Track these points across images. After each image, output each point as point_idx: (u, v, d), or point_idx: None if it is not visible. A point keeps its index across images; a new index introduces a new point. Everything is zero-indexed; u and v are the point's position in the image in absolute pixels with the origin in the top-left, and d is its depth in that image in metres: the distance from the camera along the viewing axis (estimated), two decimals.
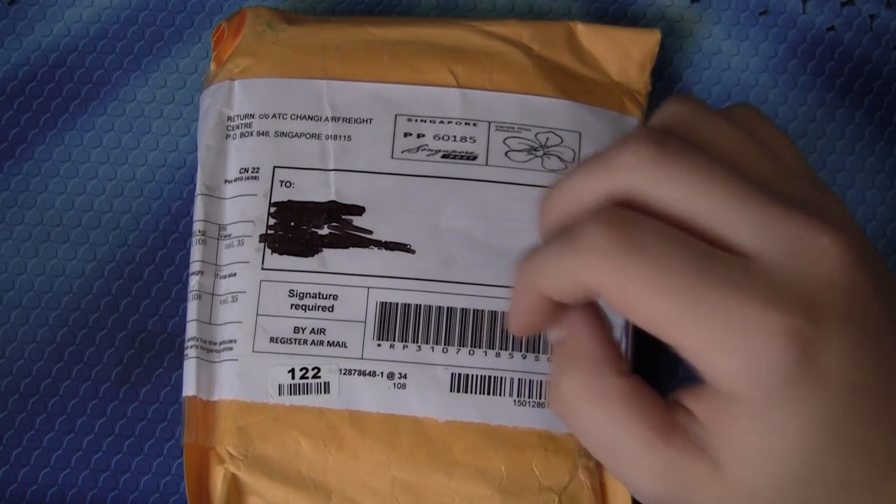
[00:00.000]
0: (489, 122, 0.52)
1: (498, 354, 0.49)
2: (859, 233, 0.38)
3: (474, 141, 0.51)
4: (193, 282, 0.51)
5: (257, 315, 0.50)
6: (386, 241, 0.50)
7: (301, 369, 0.49)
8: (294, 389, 0.49)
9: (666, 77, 0.57)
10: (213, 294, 0.51)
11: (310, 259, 0.50)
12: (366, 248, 0.50)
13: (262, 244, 0.51)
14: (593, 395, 0.37)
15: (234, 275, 0.51)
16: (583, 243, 0.36)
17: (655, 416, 0.37)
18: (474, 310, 0.50)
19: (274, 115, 0.52)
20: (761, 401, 0.35)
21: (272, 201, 0.51)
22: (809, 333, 0.35)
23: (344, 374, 0.49)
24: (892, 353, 0.37)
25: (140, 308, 0.55)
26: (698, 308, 0.35)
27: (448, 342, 0.49)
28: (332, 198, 0.51)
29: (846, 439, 0.36)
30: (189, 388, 0.50)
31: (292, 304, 0.50)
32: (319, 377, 0.49)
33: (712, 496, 0.37)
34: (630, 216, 0.36)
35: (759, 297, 0.35)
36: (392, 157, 0.51)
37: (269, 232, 0.51)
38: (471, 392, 0.49)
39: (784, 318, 0.35)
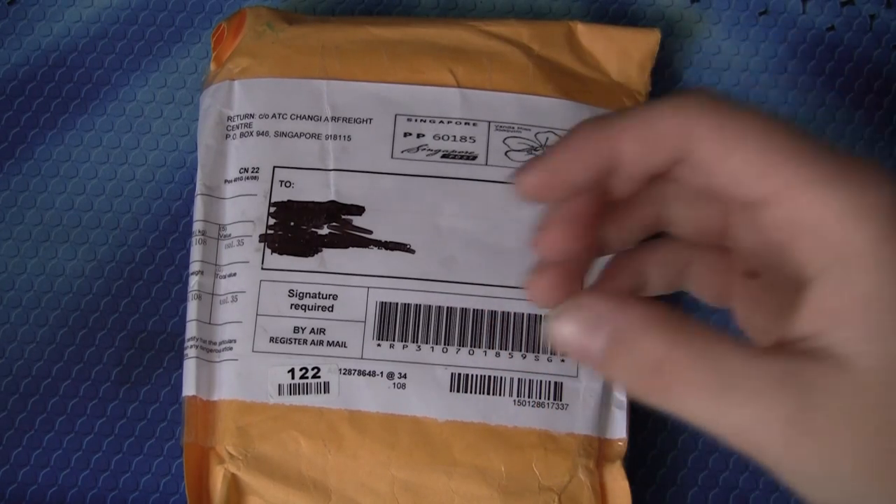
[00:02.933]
0: (489, 122, 0.52)
1: (498, 354, 0.49)
2: None
3: (474, 141, 0.51)
4: (193, 282, 0.51)
5: (257, 315, 0.50)
6: (386, 241, 0.50)
7: (301, 369, 0.49)
8: (294, 389, 0.49)
9: (666, 77, 0.57)
10: (212, 294, 0.51)
11: (309, 259, 0.50)
12: (365, 247, 0.50)
13: (262, 244, 0.51)
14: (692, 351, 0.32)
15: (234, 275, 0.51)
16: (683, 100, 0.33)
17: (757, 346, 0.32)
18: (474, 310, 0.50)
19: (274, 115, 0.52)
20: (875, 248, 0.31)
21: (272, 201, 0.51)
22: None
23: (344, 373, 0.49)
24: None
25: (140, 308, 0.55)
26: (812, 162, 0.32)
27: (448, 342, 0.49)
28: (332, 198, 0.51)
29: None
30: (189, 388, 0.50)
31: (292, 304, 0.50)
32: (319, 377, 0.49)
33: (844, 397, 0.31)
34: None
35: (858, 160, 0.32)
36: (392, 156, 0.51)
37: (269, 232, 0.51)
38: (470, 392, 0.49)
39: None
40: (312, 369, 0.49)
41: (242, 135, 0.52)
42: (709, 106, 0.33)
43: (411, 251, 0.50)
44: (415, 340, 0.50)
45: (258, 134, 0.52)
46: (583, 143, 0.34)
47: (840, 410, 0.31)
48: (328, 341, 0.50)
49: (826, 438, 0.31)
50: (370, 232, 0.50)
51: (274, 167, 0.51)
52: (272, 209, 0.51)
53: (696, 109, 0.33)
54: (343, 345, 0.50)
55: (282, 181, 0.51)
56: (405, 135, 0.52)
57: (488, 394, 0.49)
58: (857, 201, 0.31)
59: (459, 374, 0.49)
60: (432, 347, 0.50)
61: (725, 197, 0.34)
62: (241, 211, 0.51)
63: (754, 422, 0.32)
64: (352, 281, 0.50)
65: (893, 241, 0.31)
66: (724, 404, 0.32)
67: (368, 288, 0.50)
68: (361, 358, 0.50)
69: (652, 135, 0.33)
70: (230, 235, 0.51)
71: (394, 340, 0.50)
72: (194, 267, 0.51)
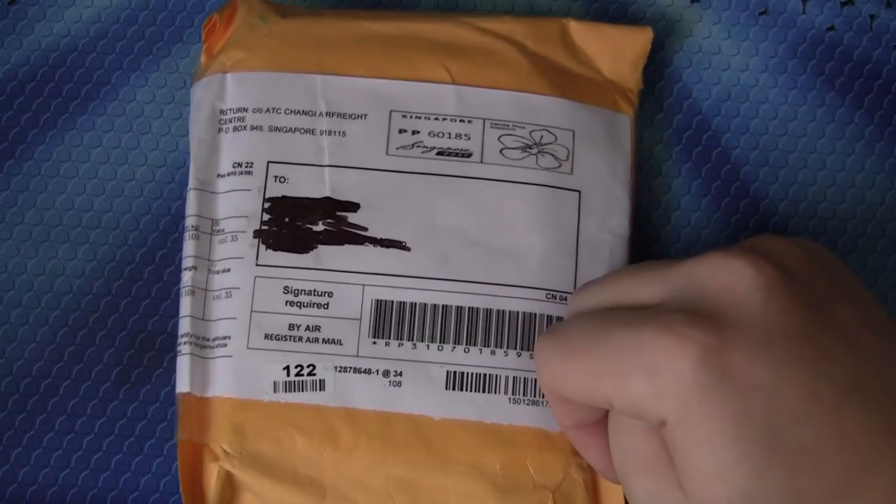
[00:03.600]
0: (484, 120, 0.51)
1: (493, 352, 0.49)
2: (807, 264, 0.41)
3: (469, 138, 0.51)
4: (186, 277, 0.51)
5: (251, 311, 0.50)
6: (381, 239, 0.50)
7: (296, 366, 0.49)
8: (289, 387, 0.49)
9: (666, 77, 0.57)
10: (206, 290, 0.51)
11: (304, 255, 0.50)
12: (361, 245, 0.50)
13: (256, 240, 0.50)
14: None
15: (228, 270, 0.50)
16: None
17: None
18: (469, 307, 0.49)
19: (267, 110, 0.52)
20: (682, 416, 0.37)
21: (266, 196, 0.51)
22: (712, 341, 0.37)
23: (339, 371, 0.49)
24: (817, 358, 0.38)
25: (140, 308, 0.55)
26: (605, 351, 0.39)
27: (443, 340, 0.49)
28: (327, 194, 0.51)
29: (783, 447, 0.36)
30: (183, 385, 0.50)
31: (287, 301, 0.50)
32: (314, 374, 0.49)
33: None
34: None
35: (656, 325, 0.38)
36: (387, 153, 0.51)
37: (264, 227, 0.50)
38: (466, 390, 0.49)
39: (684, 332, 0.37)
40: (308, 367, 0.49)
41: (236, 129, 0.52)
42: (539, 350, 0.44)
43: (406, 249, 0.50)
44: (410, 338, 0.49)
45: (252, 128, 0.52)
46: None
47: None
48: (323, 339, 0.50)
49: None
50: (365, 229, 0.50)
51: (268, 162, 0.51)
52: (266, 204, 0.51)
53: (538, 361, 0.45)
54: (338, 342, 0.50)
55: (276, 176, 0.51)
56: (400, 131, 0.51)
57: (483, 392, 0.49)
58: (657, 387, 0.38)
59: (455, 372, 0.49)
60: (428, 345, 0.49)
61: None
62: (235, 206, 0.51)
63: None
64: (347, 278, 0.50)
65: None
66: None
67: (364, 286, 0.50)
68: (357, 356, 0.49)
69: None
70: (224, 231, 0.51)
71: (389, 338, 0.49)
72: (187, 262, 0.51)
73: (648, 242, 0.55)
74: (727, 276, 0.39)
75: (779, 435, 0.36)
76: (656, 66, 0.57)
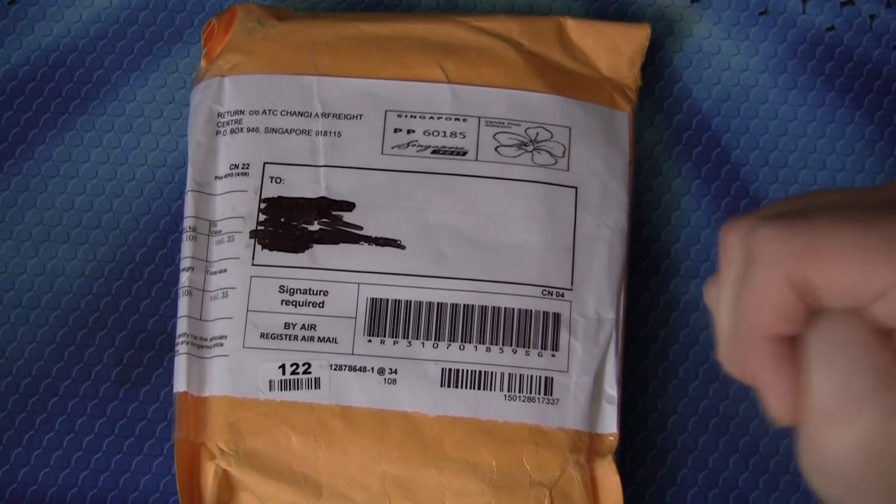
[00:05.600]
0: (479, 118, 0.52)
1: (488, 349, 0.49)
2: None
3: (464, 136, 0.51)
4: (184, 278, 0.51)
5: (248, 311, 0.50)
6: (376, 237, 0.50)
7: (292, 365, 0.49)
8: (285, 385, 0.49)
9: (666, 77, 0.57)
10: (203, 290, 0.51)
11: (300, 255, 0.50)
12: (356, 243, 0.50)
13: (253, 240, 0.51)
14: None
15: (225, 271, 0.51)
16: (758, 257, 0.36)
17: None
18: (464, 305, 0.50)
19: (264, 112, 0.52)
20: None
21: (262, 197, 0.51)
22: None
23: (334, 369, 0.49)
24: None
25: (140, 308, 0.55)
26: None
27: (438, 337, 0.49)
28: (323, 194, 0.51)
29: None
30: (180, 384, 0.50)
31: (283, 300, 0.50)
32: (310, 373, 0.49)
33: None
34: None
35: None
36: (382, 152, 0.51)
37: (260, 228, 0.51)
38: (461, 387, 0.49)
39: None
40: (303, 365, 0.49)
41: (233, 131, 0.52)
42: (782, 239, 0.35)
43: (401, 247, 0.50)
44: (405, 336, 0.49)
45: (248, 130, 0.52)
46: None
47: None
48: (319, 337, 0.50)
49: None
50: (360, 228, 0.50)
51: (264, 163, 0.51)
52: (262, 205, 0.51)
53: (771, 252, 0.35)
54: (334, 340, 0.50)
55: (272, 177, 0.51)
56: (395, 131, 0.52)
57: (479, 389, 0.49)
58: None
59: (450, 370, 0.49)
60: (423, 343, 0.49)
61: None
62: (232, 207, 0.51)
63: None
64: (342, 277, 0.50)
65: None
66: None
67: (359, 284, 0.50)
68: (352, 354, 0.49)
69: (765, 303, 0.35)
70: (220, 231, 0.51)
71: (384, 336, 0.50)
72: (185, 263, 0.51)
73: (648, 242, 0.55)
74: None
75: None
76: (656, 66, 0.57)
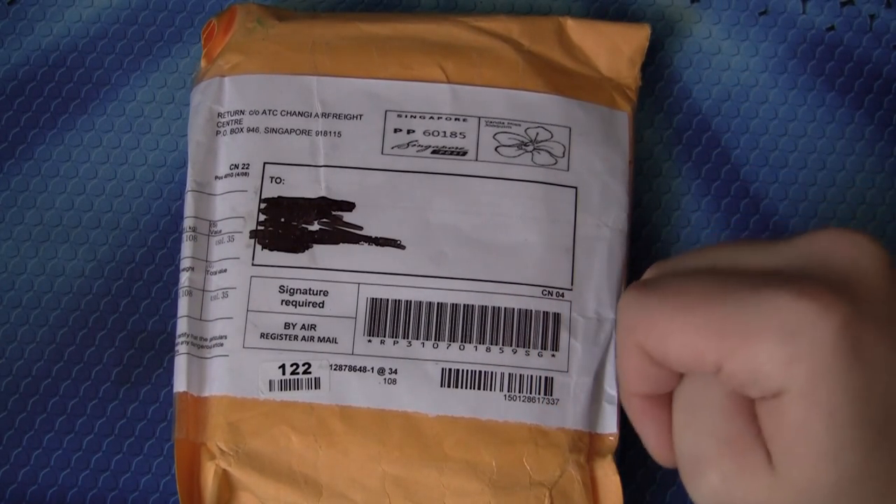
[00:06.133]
0: (479, 118, 0.52)
1: (488, 349, 0.49)
2: None
3: (464, 136, 0.51)
4: (184, 278, 0.51)
5: (248, 311, 0.50)
6: (376, 237, 0.50)
7: (292, 365, 0.49)
8: (285, 385, 0.49)
9: (666, 77, 0.57)
10: (203, 290, 0.51)
11: (300, 255, 0.50)
12: (356, 243, 0.50)
13: (253, 240, 0.51)
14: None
15: (225, 271, 0.51)
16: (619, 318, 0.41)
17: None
18: (465, 305, 0.49)
19: (264, 112, 0.52)
20: (810, 386, 0.35)
21: (262, 197, 0.51)
22: (851, 311, 0.35)
23: (334, 369, 0.49)
24: None
25: (140, 308, 0.55)
26: (730, 309, 0.37)
27: (438, 337, 0.49)
28: (323, 194, 0.51)
29: (894, 432, 0.35)
30: (180, 384, 0.50)
31: (283, 300, 0.50)
32: (310, 373, 0.49)
33: (762, 495, 0.36)
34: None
35: (793, 288, 0.36)
36: (382, 152, 0.51)
37: (260, 228, 0.51)
38: (461, 387, 0.49)
39: (827, 299, 0.35)
40: (303, 365, 0.49)
41: (233, 131, 0.52)
42: (633, 304, 0.40)
43: (402, 247, 0.50)
44: (405, 336, 0.49)
45: (248, 130, 0.52)
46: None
47: None
48: (319, 337, 0.50)
49: None
50: (360, 228, 0.50)
51: (264, 163, 0.51)
52: (262, 205, 0.51)
53: (627, 317, 0.40)
54: (334, 340, 0.50)
55: (272, 177, 0.51)
56: (395, 131, 0.52)
57: (479, 389, 0.49)
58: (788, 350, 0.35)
59: (450, 370, 0.49)
60: (423, 343, 0.49)
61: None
62: (232, 207, 0.51)
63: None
64: (342, 277, 0.50)
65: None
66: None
67: (359, 284, 0.50)
68: (352, 354, 0.49)
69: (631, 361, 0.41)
70: (220, 231, 0.51)
71: (384, 336, 0.50)
72: (185, 263, 0.51)
73: (648, 242, 0.55)
74: (851, 250, 0.37)
75: (891, 420, 0.35)
76: (656, 66, 0.57)
